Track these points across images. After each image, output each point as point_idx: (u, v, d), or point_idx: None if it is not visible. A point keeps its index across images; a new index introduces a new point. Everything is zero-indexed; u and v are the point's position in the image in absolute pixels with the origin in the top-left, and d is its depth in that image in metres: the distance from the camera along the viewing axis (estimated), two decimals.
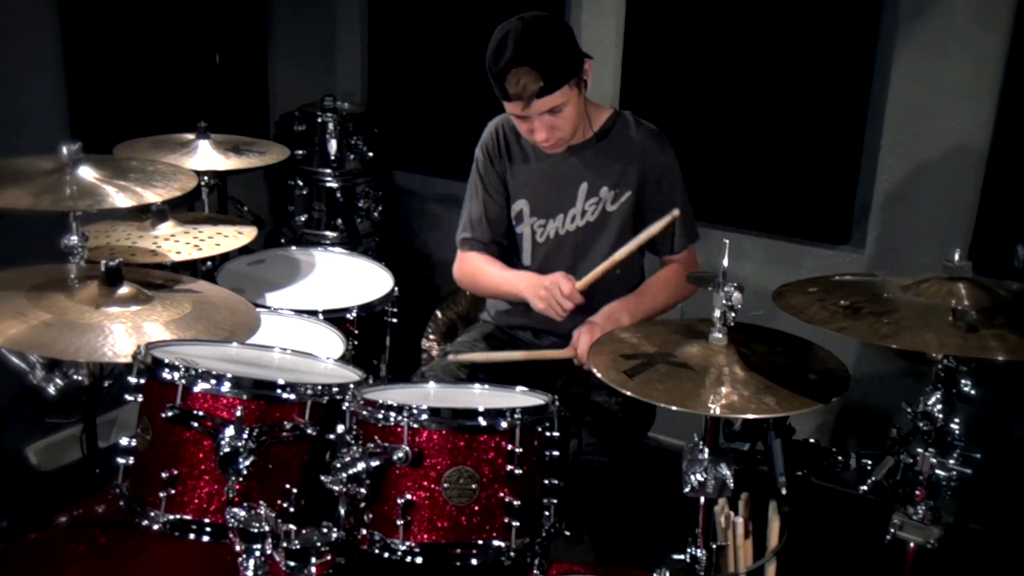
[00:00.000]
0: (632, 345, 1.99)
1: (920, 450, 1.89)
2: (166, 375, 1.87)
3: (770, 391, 1.84)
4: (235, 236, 3.03)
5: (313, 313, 2.92)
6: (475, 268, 2.85)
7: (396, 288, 3.17)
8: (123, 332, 2.18)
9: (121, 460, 1.98)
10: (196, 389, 1.84)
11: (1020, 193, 3.22)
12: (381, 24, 4.44)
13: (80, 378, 2.49)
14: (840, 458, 2.06)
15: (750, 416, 1.85)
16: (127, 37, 3.68)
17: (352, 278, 3.26)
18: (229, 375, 1.84)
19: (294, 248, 3.44)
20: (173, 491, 1.86)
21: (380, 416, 1.83)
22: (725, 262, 1.92)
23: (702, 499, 2.00)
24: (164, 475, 1.85)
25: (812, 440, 2.08)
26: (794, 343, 2.06)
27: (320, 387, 1.89)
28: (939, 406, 1.88)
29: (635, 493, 2.60)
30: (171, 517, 1.86)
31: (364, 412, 1.85)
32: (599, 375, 1.89)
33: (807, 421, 2.01)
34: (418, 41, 4.35)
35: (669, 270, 2.74)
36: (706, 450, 1.98)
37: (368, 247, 4.22)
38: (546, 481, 1.93)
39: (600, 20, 3.89)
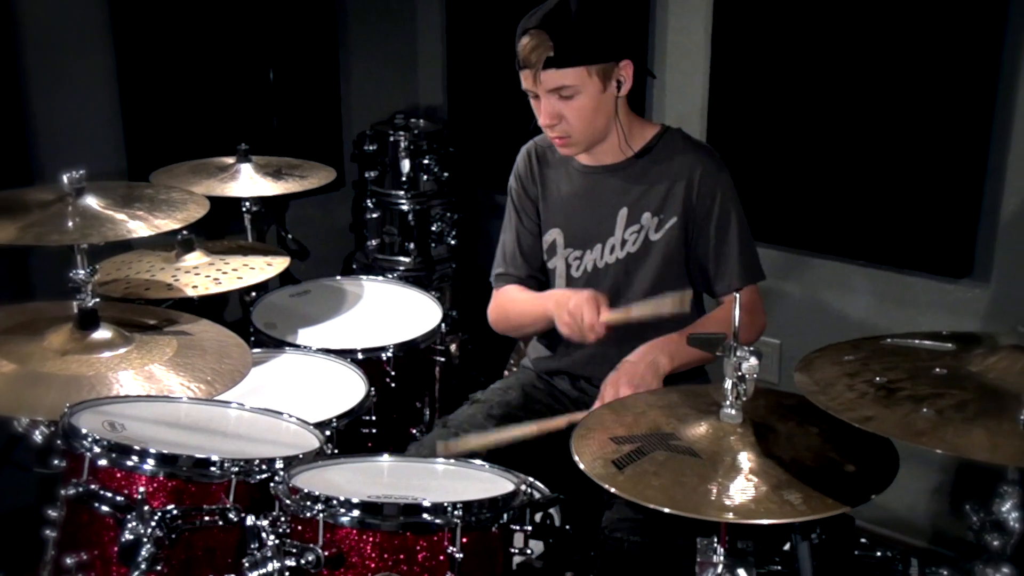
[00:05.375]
0: (628, 425, 1.63)
1: (1006, 571, 1.45)
2: (76, 444, 1.63)
3: (793, 487, 1.46)
4: (262, 268, 2.80)
5: (343, 353, 2.66)
6: (505, 301, 2.55)
7: (445, 323, 2.89)
8: (80, 385, 1.96)
9: (51, 533, 1.75)
10: (102, 463, 1.59)
11: None
12: (460, 34, 4.16)
13: None
14: (898, 566, 1.63)
15: (764, 522, 1.46)
16: (182, 57, 3.52)
17: (397, 312, 2.99)
18: (137, 447, 1.58)
19: (340, 278, 3.20)
20: None
21: (299, 506, 1.53)
22: (736, 318, 1.54)
23: None
24: (69, 560, 1.60)
25: (863, 540, 1.67)
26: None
27: (243, 463, 1.60)
28: (1015, 513, 1.44)
29: None
30: None
31: (288, 500, 1.56)
32: (583, 468, 1.54)
33: None
34: (503, 50, 4.03)
35: (724, 309, 2.36)
36: (721, 551, 1.61)
37: (443, 274, 3.95)
38: None
39: (687, 24, 3.50)
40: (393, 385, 2.71)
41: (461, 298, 3.99)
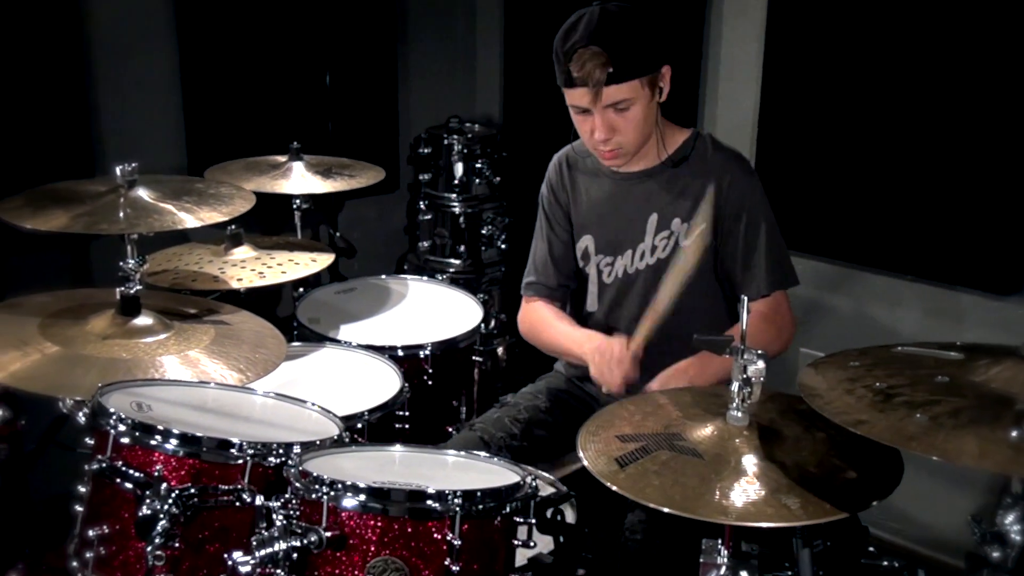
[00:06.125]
0: (636, 423, 1.65)
1: None
2: (102, 422, 1.70)
3: (792, 492, 1.46)
4: (307, 264, 2.86)
5: (382, 349, 2.71)
6: (539, 320, 2.57)
7: (486, 324, 2.93)
8: (117, 368, 2.02)
9: (79, 508, 1.82)
10: (124, 440, 1.66)
11: None
12: (518, 41, 4.20)
13: None
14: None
15: (761, 525, 1.47)
16: (243, 59, 3.61)
17: (440, 312, 3.04)
18: (160, 427, 1.64)
19: (385, 277, 3.25)
20: (103, 551, 1.67)
21: (307, 489, 1.58)
22: (744, 322, 1.55)
23: None
24: (92, 532, 1.67)
25: (871, 549, 1.66)
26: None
27: (260, 447, 1.65)
28: (1018, 526, 1.43)
29: None
30: None
31: (297, 483, 1.61)
32: (587, 465, 1.57)
33: None
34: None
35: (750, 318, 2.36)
36: (725, 553, 1.61)
37: (493, 277, 3.99)
38: None
39: (741, 34, 3.50)
40: (430, 383, 2.75)
41: (510, 301, 4.02)
